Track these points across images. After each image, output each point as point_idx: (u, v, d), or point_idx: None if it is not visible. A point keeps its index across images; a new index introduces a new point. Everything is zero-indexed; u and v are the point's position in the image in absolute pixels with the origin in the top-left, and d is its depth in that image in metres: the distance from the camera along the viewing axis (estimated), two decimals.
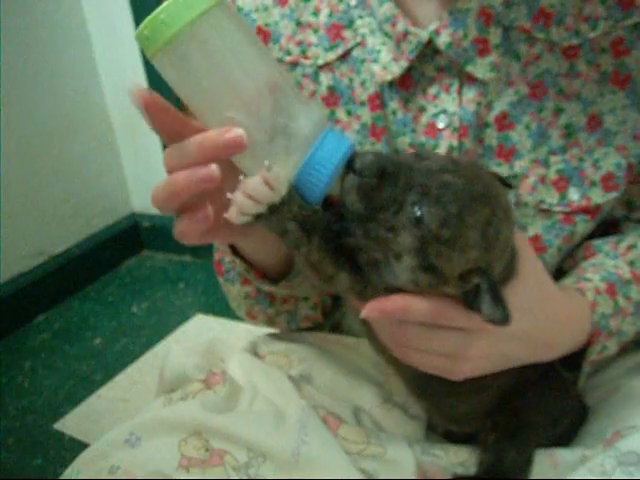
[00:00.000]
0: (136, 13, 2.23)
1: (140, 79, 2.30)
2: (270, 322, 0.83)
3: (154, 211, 2.41)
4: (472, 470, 0.71)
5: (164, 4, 0.48)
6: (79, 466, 0.64)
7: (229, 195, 0.53)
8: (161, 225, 2.58)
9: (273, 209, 0.53)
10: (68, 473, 0.64)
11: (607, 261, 0.73)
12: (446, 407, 0.72)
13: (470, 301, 0.54)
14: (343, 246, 0.57)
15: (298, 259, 0.58)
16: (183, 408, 0.66)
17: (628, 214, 0.79)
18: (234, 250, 0.70)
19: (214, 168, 0.51)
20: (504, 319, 0.53)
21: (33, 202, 2.29)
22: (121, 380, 1.86)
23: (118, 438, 0.64)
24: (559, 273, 0.79)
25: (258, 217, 0.53)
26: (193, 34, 0.49)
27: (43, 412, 1.78)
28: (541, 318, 0.62)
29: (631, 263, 0.73)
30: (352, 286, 0.58)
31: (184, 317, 2.14)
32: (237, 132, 0.50)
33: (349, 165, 0.53)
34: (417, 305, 0.55)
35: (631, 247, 0.75)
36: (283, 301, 0.79)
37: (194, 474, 0.61)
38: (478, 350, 0.59)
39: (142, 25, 0.49)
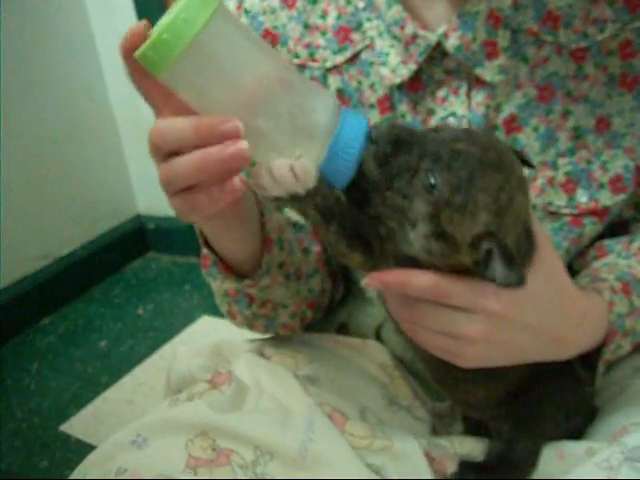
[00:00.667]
0: (141, 18, 2.23)
1: None
2: (248, 324, 0.82)
3: (159, 213, 2.40)
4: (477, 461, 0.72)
5: (164, 23, 0.48)
6: (86, 468, 0.64)
7: (256, 168, 0.53)
8: (166, 227, 2.58)
9: (295, 197, 0.55)
10: (75, 475, 0.64)
11: (620, 261, 0.73)
12: (463, 393, 0.72)
13: (482, 270, 0.54)
14: (358, 229, 0.60)
15: (319, 233, 0.61)
16: (189, 408, 0.66)
17: (637, 215, 0.79)
18: (206, 242, 0.70)
19: (244, 144, 0.50)
20: (519, 281, 0.53)
21: (38, 205, 2.29)
22: (127, 382, 1.86)
23: (125, 439, 0.64)
24: (570, 272, 0.79)
25: (277, 199, 0.55)
26: (198, 48, 0.49)
27: (49, 414, 1.78)
28: (554, 312, 0.61)
29: None
30: (364, 264, 0.61)
31: (190, 319, 2.14)
32: (234, 123, 0.50)
33: (367, 137, 0.54)
34: (418, 279, 0.56)
35: None
36: (261, 304, 0.77)
37: (201, 474, 0.60)
38: (481, 333, 0.58)
39: (144, 47, 0.49)
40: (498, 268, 0.53)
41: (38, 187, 2.28)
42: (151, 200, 2.62)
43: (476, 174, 0.52)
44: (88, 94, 2.41)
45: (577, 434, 0.72)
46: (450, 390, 0.74)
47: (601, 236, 0.78)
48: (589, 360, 0.68)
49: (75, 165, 2.41)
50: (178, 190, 0.54)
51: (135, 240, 2.64)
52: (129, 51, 0.51)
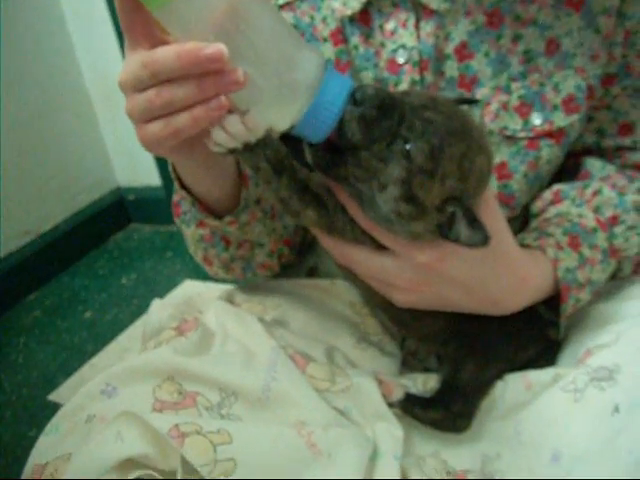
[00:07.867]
0: None
1: (115, 54, 2.28)
2: (225, 268, 0.82)
3: (139, 184, 2.37)
4: None
5: None
6: (58, 421, 0.65)
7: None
8: (146, 197, 2.58)
9: (247, 147, 0.56)
10: (48, 430, 0.64)
11: (572, 209, 0.74)
12: (413, 329, 0.75)
13: (445, 232, 0.57)
14: (310, 186, 0.61)
15: (269, 193, 0.62)
16: (155, 355, 0.66)
17: (599, 141, 0.80)
18: (182, 184, 0.70)
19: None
20: (483, 240, 0.55)
21: (17, 182, 2.27)
22: (112, 348, 1.87)
23: (94, 390, 0.64)
24: (526, 215, 0.80)
25: (232, 151, 0.57)
26: None
27: (38, 385, 1.78)
28: (487, 273, 0.63)
29: (596, 209, 0.73)
30: (318, 221, 0.63)
31: (173, 284, 2.14)
32: (218, 47, 0.48)
33: (351, 97, 0.55)
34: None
35: (596, 193, 0.75)
36: (238, 246, 0.78)
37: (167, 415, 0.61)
38: (408, 282, 0.63)
39: None
40: (462, 229, 0.56)
41: (16, 165, 2.26)
42: (130, 172, 2.61)
43: (444, 143, 0.55)
44: (60, 71, 2.38)
45: (534, 367, 0.71)
46: (403, 327, 0.76)
47: (567, 167, 0.78)
48: (552, 302, 0.69)
49: (52, 141, 2.39)
50: (158, 116, 0.53)
51: (116, 212, 2.63)
52: None
